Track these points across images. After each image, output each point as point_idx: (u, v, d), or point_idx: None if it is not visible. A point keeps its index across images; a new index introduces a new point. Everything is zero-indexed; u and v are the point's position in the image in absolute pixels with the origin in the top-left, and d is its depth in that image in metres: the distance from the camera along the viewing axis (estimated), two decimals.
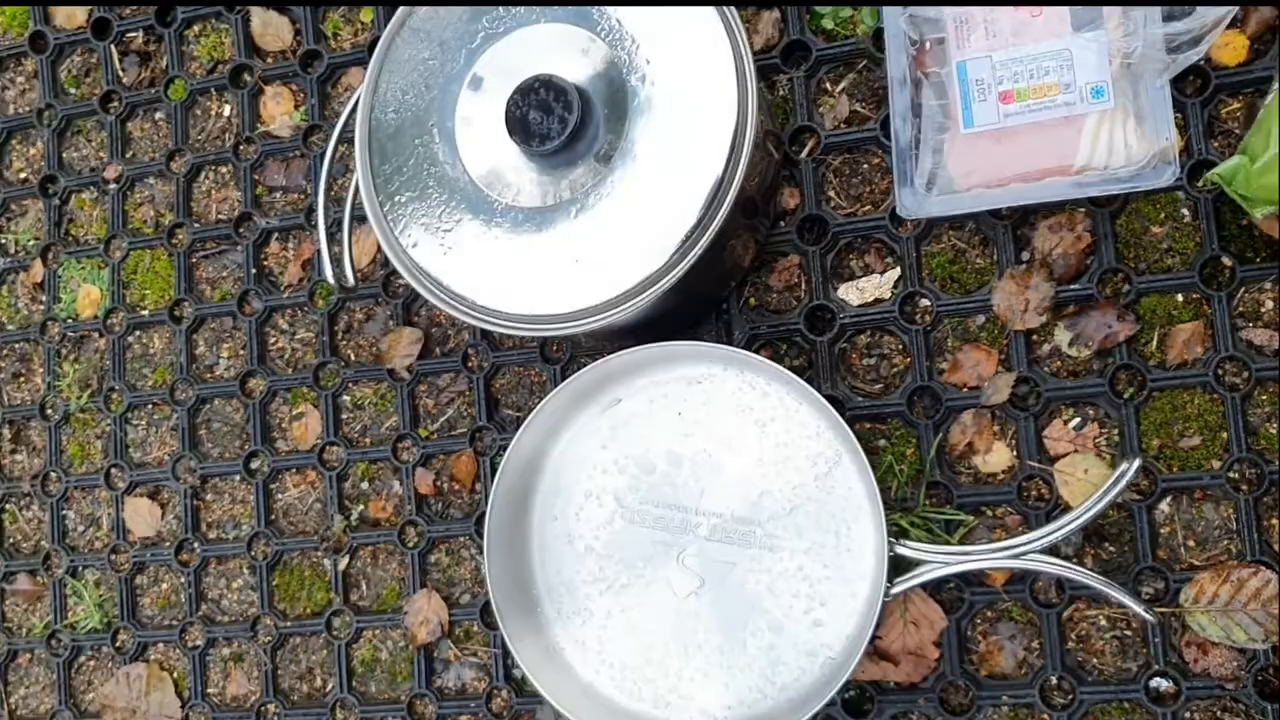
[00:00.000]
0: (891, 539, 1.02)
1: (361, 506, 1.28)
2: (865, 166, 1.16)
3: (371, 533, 1.27)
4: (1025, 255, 1.10)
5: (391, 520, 1.27)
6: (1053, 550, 1.01)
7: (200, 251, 1.37)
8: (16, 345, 1.43)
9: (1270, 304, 1.03)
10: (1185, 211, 1.06)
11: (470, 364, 1.26)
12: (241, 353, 1.34)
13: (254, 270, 1.34)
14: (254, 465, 1.32)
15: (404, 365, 1.27)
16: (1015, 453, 1.09)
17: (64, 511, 1.39)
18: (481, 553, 1.23)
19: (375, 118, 1.07)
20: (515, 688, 1.21)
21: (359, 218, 1.08)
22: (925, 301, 1.13)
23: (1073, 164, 1.01)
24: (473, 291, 1.03)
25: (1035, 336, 1.09)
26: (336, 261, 1.14)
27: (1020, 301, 1.08)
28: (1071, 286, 1.08)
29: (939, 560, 1.02)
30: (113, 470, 1.37)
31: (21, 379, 1.43)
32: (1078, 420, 1.08)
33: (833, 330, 1.14)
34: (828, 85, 1.17)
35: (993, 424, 1.10)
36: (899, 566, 1.02)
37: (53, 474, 1.39)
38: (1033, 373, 1.09)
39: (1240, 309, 1.04)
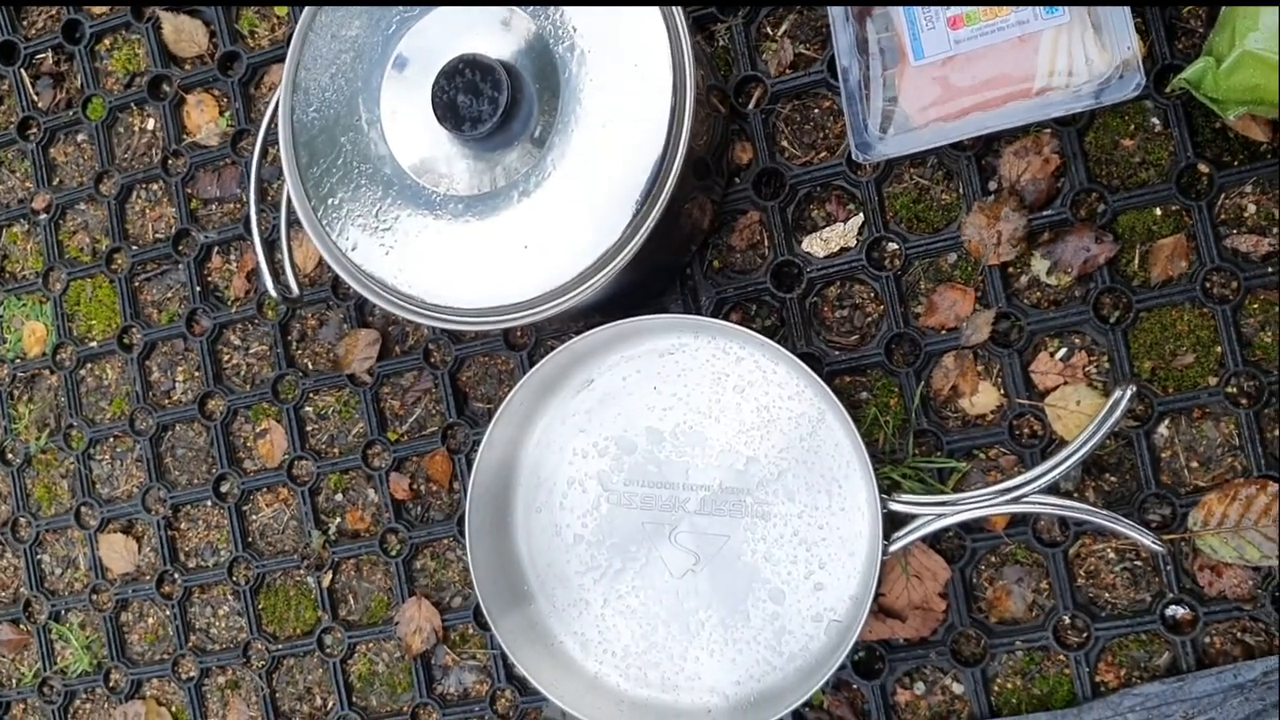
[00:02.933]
0: (884, 495, 0.98)
1: (339, 519, 1.24)
2: (816, 111, 1.10)
3: (352, 545, 1.23)
4: (992, 185, 1.05)
5: (371, 530, 1.23)
6: (1052, 488, 0.97)
7: (142, 274, 1.31)
8: None
9: (1253, 207, 0.99)
10: (1155, 121, 1.01)
11: (433, 359, 1.22)
12: (197, 374, 1.29)
13: (199, 288, 1.28)
14: (224, 489, 1.27)
15: (364, 369, 1.23)
16: (1002, 391, 1.05)
17: (39, 556, 1.34)
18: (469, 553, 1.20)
19: (297, 118, 1.02)
20: (519, 686, 1.18)
21: (296, 223, 1.03)
22: (893, 245, 1.08)
23: (1033, 85, 0.96)
24: (421, 290, 0.98)
25: (1011, 269, 1.05)
26: (278, 271, 1.09)
27: (991, 234, 1.04)
28: (1044, 213, 1.03)
29: (933, 513, 0.98)
30: (82, 509, 1.32)
31: None
32: (1064, 351, 1.04)
33: (801, 285, 1.10)
34: (769, 29, 1.12)
35: (976, 364, 1.06)
36: (895, 521, 0.98)
37: (22, 519, 1.35)
38: (1012, 307, 1.04)
39: (1222, 216, 0.99)
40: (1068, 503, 0.98)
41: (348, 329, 1.23)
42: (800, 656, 1.05)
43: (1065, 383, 1.03)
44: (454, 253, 0.97)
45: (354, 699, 1.23)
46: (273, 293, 1.07)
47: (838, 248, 1.09)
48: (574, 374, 1.11)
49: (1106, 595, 1.03)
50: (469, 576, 1.20)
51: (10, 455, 1.35)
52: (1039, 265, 1.04)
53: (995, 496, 0.97)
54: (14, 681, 1.35)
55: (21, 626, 1.35)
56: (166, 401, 1.30)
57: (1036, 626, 1.04)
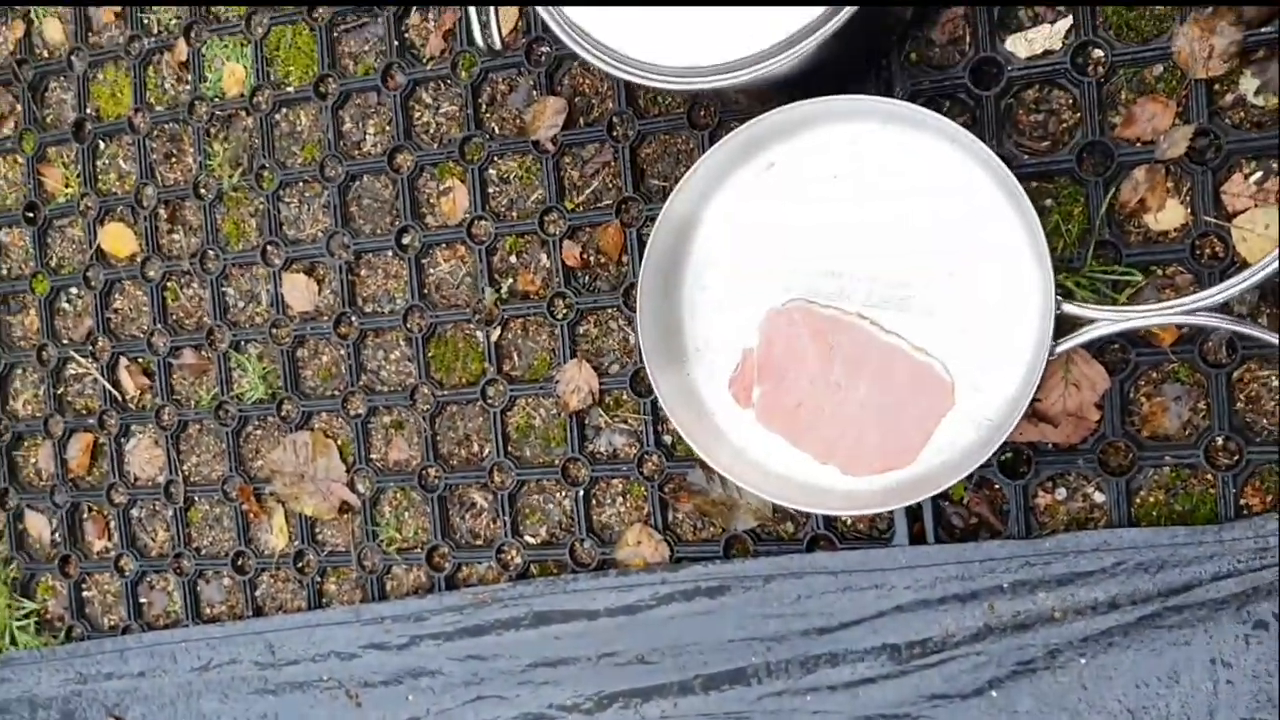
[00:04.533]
0: (1059, 296, 0.99)
1: (511, 279, 1.30)
2: None
3: (521, 305, 1.29)
4: None
5: (540, 292, 1.28)
6: (1225, 308, 0.97)
7: (341, 25, 1.36)
8: (166, 126, 1.45)
9: None
10: None
11: (615, 133, 1.24)
12: (388, 128, 1.34)
13: (396, 43, 1.32)
14: (405, 240, 1.34)
15: (549, 137, 1.26)
16: (1189, 209, 1.05)
17: (224, 288, 1.43)
18: (630, 324, 1.25)
19: None
20: (665, 453, 1.24)
21: None
22: (1099, 52, 1.07)
23: None
24: (624, 44, 1.01)
25: (1218, 86, 1.03)
26: (483, 25, 1.12)
27: (1204, 47, 1.02)
28: (1261, 30, 1.00)
29: (1107, 318, 0.99)
30: (269, 247, 1.40)
31: (173, 159, 1.46)
32: (1260, 174, 1.02)
33: (999, 84, 1.09)
34: None
35: (1167, 180, 1.05)
36: (1063, 327, 1.00)
37: (210, 252, 1.43)
38: (1213, 124, 1.03)
39: None
40: (1243, 320, 0.98)
41: (536, 96, 1.27)
42: (947, 450, 1.08)
43: (1256, 205, 1.02)
44: (660, 10, 0.99)
45: (509, 448, 1.30)
46: (479, 42, 1.10)
47: (1041, 50, 1.08)
48: (755, 155, 1.12)
49: (1264, 421, 1.04)
50: (629, 346, 1.25)
51: (203, 190, 1.43)
52: (1247, 84, 1.02)
53: (1170, 308, 0.97)
54: (192, 403, 1.45)
55: (203, 353, 1.44)
56: (356, 152, 1.36)
57: (1188, 444, 1.05)
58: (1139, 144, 1.05)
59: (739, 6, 0.97)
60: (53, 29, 1.51)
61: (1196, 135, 1.03)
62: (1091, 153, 1.07)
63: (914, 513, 1.15)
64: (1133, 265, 1.06)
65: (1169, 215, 1.05)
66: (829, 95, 1.05)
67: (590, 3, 1.01)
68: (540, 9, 1.03)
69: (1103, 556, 1.06)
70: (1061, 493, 1.10)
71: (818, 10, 0.94)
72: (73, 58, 1.50)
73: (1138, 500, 1.08)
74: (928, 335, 1.08)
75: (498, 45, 1.12)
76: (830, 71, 1.09)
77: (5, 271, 1.56)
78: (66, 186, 1.51)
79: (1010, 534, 1.11)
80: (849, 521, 1.19)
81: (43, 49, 1.53)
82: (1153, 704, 1.06)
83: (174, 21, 1.44)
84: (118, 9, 1.46)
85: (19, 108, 1.54)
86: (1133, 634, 1.06)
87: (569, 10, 1.02)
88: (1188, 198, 1.05)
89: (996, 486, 1.12)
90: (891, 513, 1.16)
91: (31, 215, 1.53)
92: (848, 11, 0.94)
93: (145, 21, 1.46)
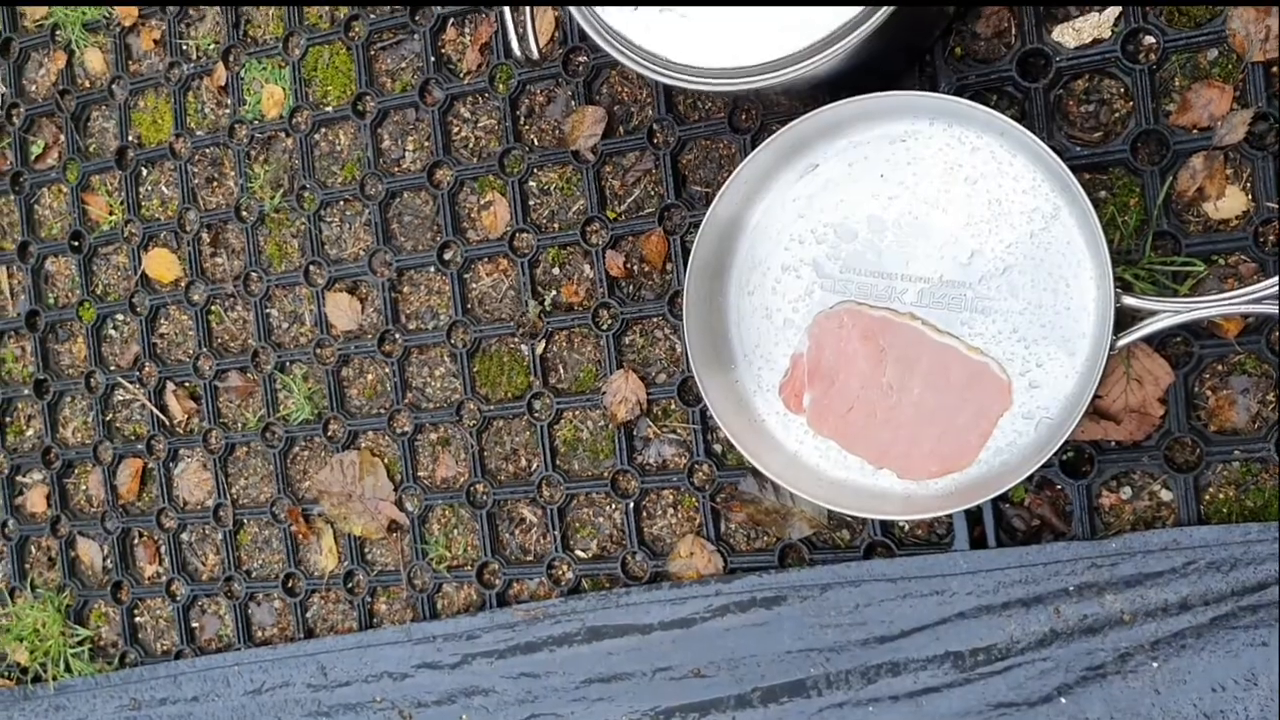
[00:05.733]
0: (1118, 289, 0.97)
1: (554, 291, 1.28)
2: None
3: (565, 317, 1.28)
4: None
5: (584, 304, 1.27)
6: None
7: (378, 43, 1.35)
8: (207, 150, 1.46)
9: None
10: None
11: (656, 140, 1.23)
12: (426, 144, 1.34)
13: (433, 59, 1.32)
14: (447, 256, 1.33)
15: (588, 146, 1.25)
16: (1250, 196, 1.02)
17: (268, 309, 1.43)
18: (676, 333, 1.23)
19: None
20: (716, 462, 1.22)
21: None
22: (1150, 39, 1.04)
23: None
24: (663, 47, 1.00)
25: (1276, 68, 1.00)
26: (520, 36, 1.11)
27: (1259, 29, 0.99)
28: None
29: (1169, 309, 0.97)
30: (311, 267, 1.40)
31: (215, 183, 1.46)
32: None
33: (1047, 76, 1.07)
34: None
35: (1226, 166, 1.02)
36: (1121, 321, 0.97)
37: (253, 274, 1.43)
38: (1272, 108, 1.00)
39: None
40: None
41: (575, 106, 1.26)
42: (1006, 451, 1.05)
43: None
44: (698, 12, 0.98)
45: (558, 462, 1.29)
46: (517, 52, 1.09)
47: (1090, 39, 1.05)
48: (799, 157, 1.11)
49: None
50: (675, 354, 1.24)
51: (245, 213, 1.43)
52: None
53: (1236, 297, 0.94)
54: (239, 425, 1.45)
55: (249, 375, 1.44)
56: (396, 169, 1.36)
57: (1258, 438, 1.02)
58: (1195, 131, 1.03)
59: (780, 6, 0.95)
60: (93, 58, 1.52)
61: (1255, 119, 1.00)
62: (1146, 142, 1.05)
63: (974, 516, 1.12)
64: (1193, 255, 1.03)
65: (1229, 203, 1.02)
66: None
67: (627, 3, 1.00)
68: (577, 15, 1.03)
69: (1172, 556, 1.03)
70: (1127, 491, 1.07)
71: (858, 8, 0.92)
72: (114, 86, 1.51)
73: (1207, 497, 1.05)
74: (982, 334, 1.05)
75: (535, 55, 1.11)
76: (873, 70, 1.08)
77: (52, 300, 1.57)
78: (110, 214, 1.52)
79: (1074, 535, 1.08)
80: (906, 527, 1.16)
81: (84, 79, 1.54)
82: (1230, 708, 1.02)
83: (212, 46, 1.45)
84: (157, 36, 1.48)
85: (62, 138, 1.55)
86: (1206, 635, 1.02)
87: (606, 16, 1.01)
88: (1248, 184, 1.02)
89: (1058, 487, 1.10)
90: (950, 517, 1.13)
91: (77, 244, 1.54)
92: (881, 15, 0.92)
93: (184, 48, 1.46)
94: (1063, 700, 1.07)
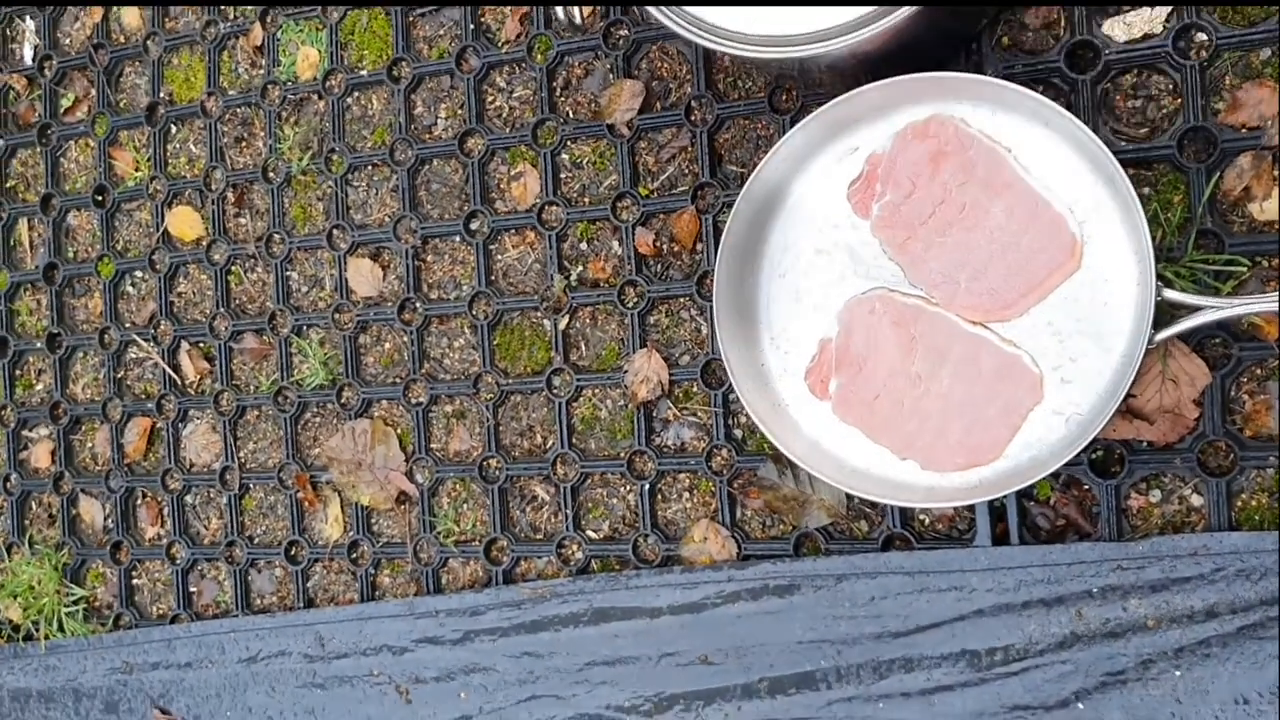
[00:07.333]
0: (1159, 283, 0.95)
1: (581, 267, 1.27)
2: None
3: (591, 293, 1.26)
4: None
5: (611, 280, 1.26)
6: None
7: (418, 9, 1.34)
8: (238, 109, 1.45)
9: None
10: None
11: (693, 117, 1.22)
12: (460, 112, 1.32)
13: (472, 26, 1.31)
14: (473, 225, 1.31)
15: (624, 120, 1.24)
16: None
17: (288, 272, 1.42)
18: (702, 314, 1.21)
19: None
20: (735, 447, 1.20)
21: None
22: (1202, 35, 1.03)
23: None
24: (713, 14, 0.99)
25: None
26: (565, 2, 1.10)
27: None
28: None
29: (1211, 304, 0.95)
30: (335, 231, 1.39)
31: (243, 143, 1.45)
32: None
33: (1096, 69, 1.05)
34: None
35: (1273, 167, 1.01)
36: (1159, 318, 0.95)
37: (276, 236, 1.42)
38: None
39: None
40: None
41: (613, 79, 1.24)
42: (1035, 447, 1.03)
43: None
44: None
45: (574, 440, 1.27)
46: (561, 17, 1.08)
47: (1141, 33, 1.04)
48: (839, 138, 1.09)
49: None
50: (700, 337, 1.22)
51: (272, 174, 1.42)
52: None
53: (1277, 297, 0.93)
54: (252, 388, 1.43)
55: (264, 338, 1.43)
56: (427, 136, 1.34)
57: None
58: (1244, 130, 1.01)
59: None
60: (130, 15, 1.51)
61: None
62: (1193, 139, 1.03)
63: (997, 512, 1.10)
64: (1236, 255, 1.01)
65: (1276, 204, 1.00)
66: None
67: None
68: None
69: (1201, 562, 1.01)
70: (1156, 494, 1.05)
71: None
72: (149, 43, 1.50)
73: (1239, 503, 1.02)
74: (1015, 326, 1.03)
75: (578, 21, 1.10)
76: (918, 54, 1.06)
77: (72, 254, 1.55)
78: (136, 170, 1.50)
79: (1100, 536, 1.06)
80: (927, 521, 1.14)
81: (119, 34, 1.53)
82: None
83: (250, 7, 1.44)
84: None
85: (93, 92, 1.54)
86: (1232, 645, 1.00)
87: None
88: None
89: (1086, 486, 1.07)
90: (973, 512, 1.11)
91: (100, 199, 1.52)
92: None
93: (222, 7, 1.46)
94: (1080, 705, 1.05)
